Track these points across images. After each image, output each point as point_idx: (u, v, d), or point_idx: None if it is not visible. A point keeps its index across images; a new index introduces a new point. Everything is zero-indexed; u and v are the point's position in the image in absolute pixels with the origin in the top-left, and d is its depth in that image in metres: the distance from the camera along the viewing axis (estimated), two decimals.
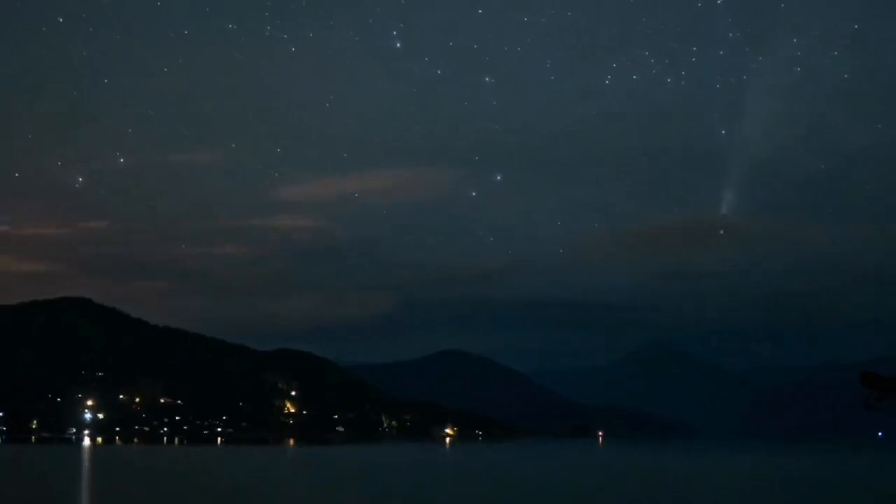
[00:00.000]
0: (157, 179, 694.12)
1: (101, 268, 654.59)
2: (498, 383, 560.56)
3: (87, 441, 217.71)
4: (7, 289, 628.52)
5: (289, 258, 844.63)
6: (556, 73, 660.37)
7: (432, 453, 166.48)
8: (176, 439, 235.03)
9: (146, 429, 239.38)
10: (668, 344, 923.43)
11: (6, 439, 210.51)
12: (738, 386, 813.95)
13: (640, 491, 68.62)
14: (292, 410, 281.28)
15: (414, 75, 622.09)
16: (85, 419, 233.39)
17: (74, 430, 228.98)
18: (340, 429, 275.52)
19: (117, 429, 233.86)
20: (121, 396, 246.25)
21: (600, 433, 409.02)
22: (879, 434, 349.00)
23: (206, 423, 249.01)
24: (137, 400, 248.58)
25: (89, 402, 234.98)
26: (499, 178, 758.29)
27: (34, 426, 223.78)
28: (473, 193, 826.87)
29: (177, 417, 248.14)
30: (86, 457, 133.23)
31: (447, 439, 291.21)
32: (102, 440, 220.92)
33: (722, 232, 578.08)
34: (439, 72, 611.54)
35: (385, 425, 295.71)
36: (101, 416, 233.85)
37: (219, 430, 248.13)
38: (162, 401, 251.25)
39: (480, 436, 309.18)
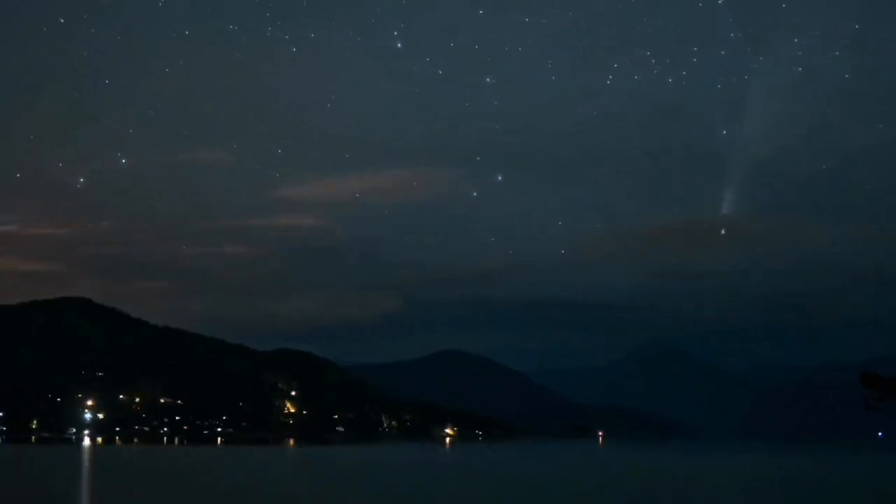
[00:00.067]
0: (157, 179, 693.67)
1: (102, 268, 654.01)
2: (498, 383, 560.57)
3: (87, 441, 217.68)
4: (7, 289, 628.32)
5: (289, 258, 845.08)
6: (557, 74, 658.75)
7: (432, 453, 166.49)
8: (176, 439, 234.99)
9: (146, 429, 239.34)
10: (668, 344, 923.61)
11: (6, 439, 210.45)
12: (738, 386, 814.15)
13: (640, 491, 68.62)
14: (292, 410, 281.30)
15: (415, 75, 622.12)
16: (85, 419, 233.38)
17: (74, 430, 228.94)
18: (340, 429, 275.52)
19: (117, 429, 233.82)
20: (121, 396, 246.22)
21: (600, 433, 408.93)
22: (879, 434, 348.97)
23: (206, 423, 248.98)
24: (137, 400, 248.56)
25: (89, 402, 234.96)
26: (500, 178, 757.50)
27: (34, 426, 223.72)
28: (474, 194, 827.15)
29: (177, 417, 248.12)
30: (86, 457, 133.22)
31: (447, 439, 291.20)
32: (102, 440, 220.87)
33: (723, 232, 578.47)
34: (440, 72, 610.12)
35: (385, 425, 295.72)
36: (101, 416, 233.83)
37: (219, 430, 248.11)
38: (162, 401, 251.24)
39: (480, 436, 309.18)
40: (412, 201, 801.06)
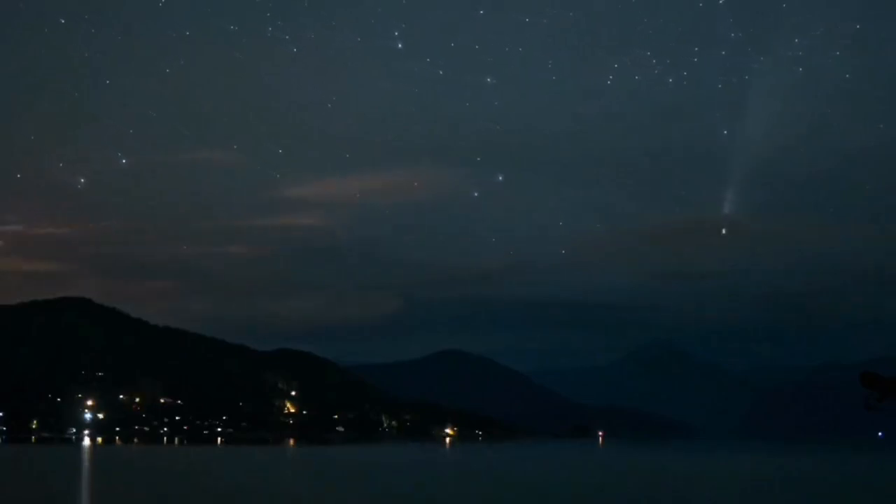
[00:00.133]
0: (157, 180, 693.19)
1: (102, 268, 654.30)
2: (498, 383, 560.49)
3: (87, 441, 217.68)
4: (7, 289, 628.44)
5: (289, 258, 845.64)
6: (558, 74, 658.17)
7: (432, 453, 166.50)
8: (176, 439, 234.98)
9: (146, 429, 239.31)
10: (668, 344, 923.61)
11: (6, 439, 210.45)
12: (738, 386, 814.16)
13: (640, 491, 68.63)
14: (292, 410, 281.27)
15: (415, 76, 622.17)
16: (85, 419, 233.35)
17: (74, 430, 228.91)
18: (340, 429, 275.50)
19: (117, 429, 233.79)
20: (121, 396, 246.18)
21: (600, 433, 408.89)
22: (879, 434, 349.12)
23: (206, 423, 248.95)
24: (137, 400, 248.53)
25: (89, 402, 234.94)
26: (500, 178, 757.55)
27: (34, 426, 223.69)
28: (475, 194, 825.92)
29: (177, 417, 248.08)
30: (86, 457, 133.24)
31: (447, 439, 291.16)
32: (102, 440, 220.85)
33: (723, 232, 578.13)
34: (441, 72, 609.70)
35: (385, 425, 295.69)
36: (101, 416, 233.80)
37: (219, 430, 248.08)
38: (162, 401, 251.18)
39: (480, 436, 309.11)
40: (413, 201, 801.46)
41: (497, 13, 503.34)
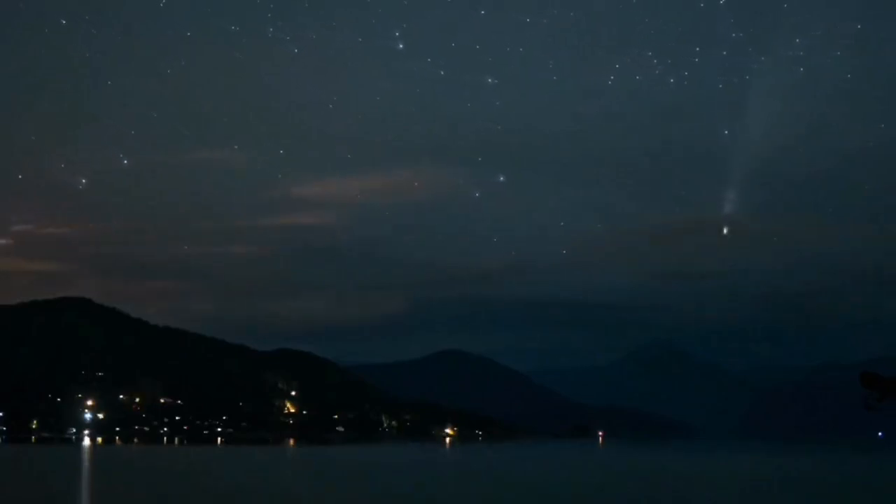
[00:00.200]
0: (158, 180, 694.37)
1: (102, 268, 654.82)
2: (498, 383, 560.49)
3: (87, 441, 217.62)
4: (8, 289, 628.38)
5: (289, 258, 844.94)
6: (559, 74, 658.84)
7: (432, 453, 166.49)
8: (176, 439, 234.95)
9: (146, 429, 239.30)
10: (668, 344, 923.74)
11: (6, 439, 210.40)
12: (738, 386, 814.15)
13: (640, 491, 68.65)
14: (292, 410, 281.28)
15: (416, 76, 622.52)
16: (85, 419, 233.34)
17: (74, 430, 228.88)
18: (340, 429, 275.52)
19: (117, 429, 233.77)
20: (121, 396, 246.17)
21: (600, 433, 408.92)
22: (879, 434, 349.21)
23: (206, 423, 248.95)
24: (137, 400, 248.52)
25: (89, 402, 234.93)
26: (502, 178, 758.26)
27: (34, 426, 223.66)
28: (477, 194, 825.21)
29: (177, 417, 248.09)
30: (86, 457, 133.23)
31: (447, 439, 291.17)
32: (102, 440, 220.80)
33: (725, 232, 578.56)
34: (441, 72, 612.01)
35: (385, 425, 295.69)
36: (101, 416, 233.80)
37: (219, 430, 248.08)
38: (162, 401, 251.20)
39: (480, 436, 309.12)
40: (413, 201, 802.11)
41: (498, 13, 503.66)
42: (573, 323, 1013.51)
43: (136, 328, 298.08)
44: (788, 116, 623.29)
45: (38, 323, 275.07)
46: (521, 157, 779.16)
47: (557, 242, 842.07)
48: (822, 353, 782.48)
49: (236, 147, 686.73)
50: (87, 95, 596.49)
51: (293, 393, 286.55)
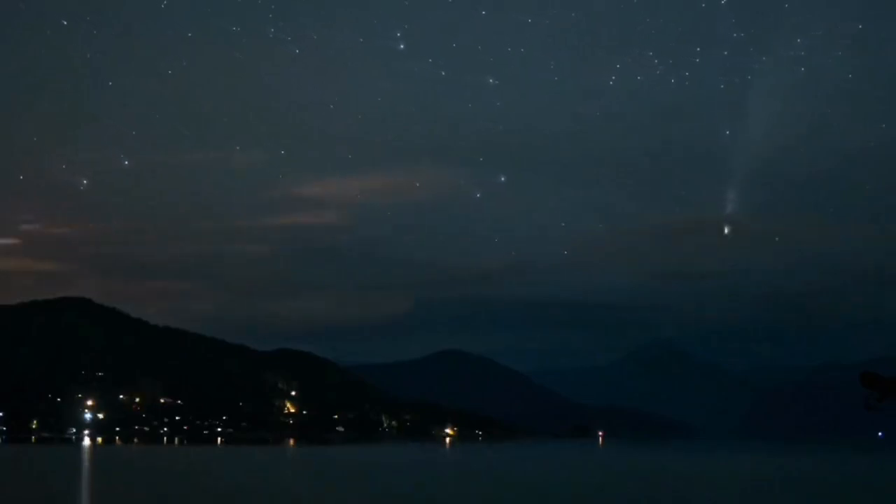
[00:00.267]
0: (158, 180, 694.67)
1: (102, 268, 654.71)
2: (498, 383, 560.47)
3: (87, 441, 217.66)
4: (8, 289, 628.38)
5: (290, 258, 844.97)
6: (560, 74, 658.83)
7: (432, 453, 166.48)
8: (176, 439, 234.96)
9: (146, 429, 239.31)
10: (668, 344, 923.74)
11: (6, 439, 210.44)
12: (738, 386, 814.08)
13: (640, 491, 68.62)
14: (292, 410, 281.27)
15: (417, 76, 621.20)
16: (85, 419, 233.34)
17: (74, 430, 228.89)
18: (340, 429, 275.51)
19: (117, 429, 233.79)
20: (121, 396, 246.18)
21: (600, 433, 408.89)
22: (879, 434, 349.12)
23: (206, 423, 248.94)
24: (137, 400, 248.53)
25: (89, 402, 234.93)
26: (503, 179, 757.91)
27: (34, 426, 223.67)
28: (478, 195, 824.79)
29: (177, 417, 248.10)
30: (86, 457, 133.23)
31: (447, 439, 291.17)
32: (102, 440, 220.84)
33: (725, 231, 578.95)
34: (443, 73, 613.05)
35: (385, 425, 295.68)
36: (101, 416, 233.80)
37: (219, 430, 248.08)
38: (162, 401, 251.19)
39: (480, 436, 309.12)
40: (413, 201, 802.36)
41: (499, 14, 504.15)
42: (573, 323, 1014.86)
43: (136, 328, 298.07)
44: (789, 116, 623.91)
45: (38, 323, 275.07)
46: (521, 157, 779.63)
47: (558, 242, 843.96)
48: (822, 353, 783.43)
49: (237, 147, 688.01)
50: (87, 95, 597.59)
51: (293, 393, 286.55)
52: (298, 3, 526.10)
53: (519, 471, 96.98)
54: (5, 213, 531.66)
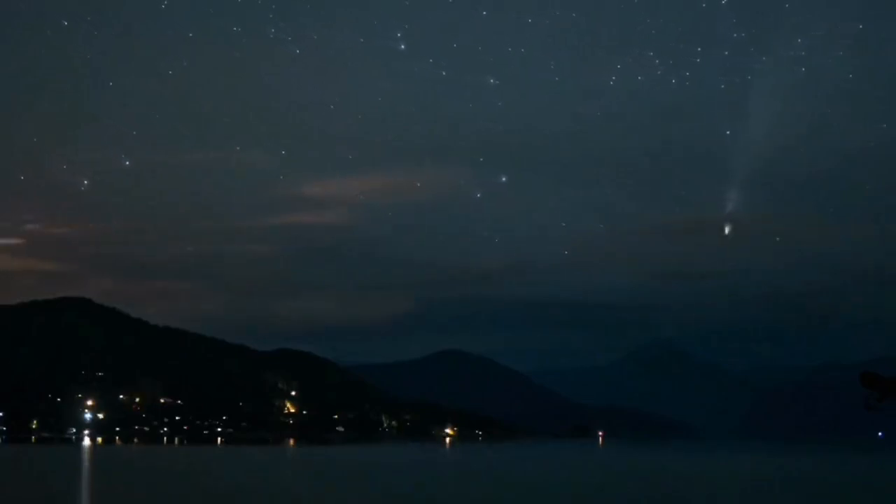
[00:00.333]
0: (158, 180, 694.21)
1: (102, 268, 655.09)
2: (498, 383, 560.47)
3: (87, 441, 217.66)
4: (8, 289, 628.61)
5: (289, 258, 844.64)
6: (560, 74, 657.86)
7: (432, 453, 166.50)
8: (176, 439, 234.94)
9: (146, 429, 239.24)
10: (668, 344, 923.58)
11: (6, 439, 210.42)
12: (738, 386, 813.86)
13: (640, 491, 68.62)
14: (292, 410, 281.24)
15: (418, 76, 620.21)
16: (85, 419, 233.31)
17: (74, 430, 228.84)
18: (340, 429, 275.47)
19: (117, 429, 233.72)
20: (121, 396, 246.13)
21: (600, 433, 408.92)
22: (879, 434, 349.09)
23: (206, 423, 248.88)
24: (137, 400, 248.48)
25: (89, 402, 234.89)
26: (504, 179, 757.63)
27: (34, 426, 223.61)
28: (478, 195, 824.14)
29: (177, 417, 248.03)
30: (86, 457, 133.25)
31: (447, 439, 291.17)
32: (102, 440, 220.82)
33: (726, 231, 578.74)
34: (443, 73, 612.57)
35: (385, 425, 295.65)
36: (101, 416, 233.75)
37: (219, 430, 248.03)
38: (162, 401, 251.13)
39: (480, 436, 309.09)
40: (414, 202, 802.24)
41: (499, 14, 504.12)
42: (573, 323, 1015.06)
43: (136, 328, 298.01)
44: (789, 116, 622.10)
45: (38, 323, 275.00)
46: (521, 157, 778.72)
47: (558, 242, 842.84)
48: (822, 353, 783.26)
49: (238, 148, 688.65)
50: (87, 96, 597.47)
51: (293, 393, 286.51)
52: (299, 3, 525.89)
53: (519, 471, 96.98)
54: (7, 213, 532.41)
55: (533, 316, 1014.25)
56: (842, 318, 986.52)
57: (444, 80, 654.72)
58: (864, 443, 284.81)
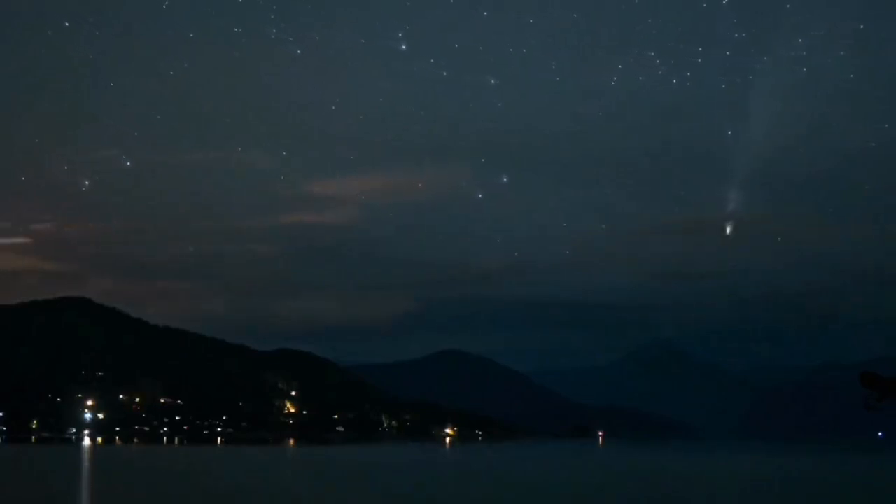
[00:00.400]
0: (158, 180, 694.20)
1: (102, 268, 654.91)
2: (498, 383, 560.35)
3: (87, 441, 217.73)
4: (8, 289, 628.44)
5: (289, 258, 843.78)
6: (561, 74, 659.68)
7: (432, 453, 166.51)
8: (176, 439, 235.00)
9: (146, 429, 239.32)
10: (668, 344, 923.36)
11: (6, 439, 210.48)
12: (738, 386, 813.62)
13: (640, 491, 68.63)
14: (292, 410, 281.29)
15: (418, 76, 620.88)
16: (85, 419, 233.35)
17: (74, 430, 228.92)
18: (340, 429, 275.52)
19: (117, 429, 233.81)
20: (121, 396, 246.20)
21: (600, 433, 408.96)
22: (879, 434, 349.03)
23: (206, 423, 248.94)
24: (137, 400, 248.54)
25: (89, 402, 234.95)
26: (505, 179, 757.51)
27: (34, 426, 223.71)
28: (480, 195, 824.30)
29: (177, 417, 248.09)
30: (86, 457, 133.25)
31: (447, 439, 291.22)
32: (102, 440, 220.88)
33: (727, 231, 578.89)
34: (444, 73, 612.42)
35: (385, 425, 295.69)
36: (101, 416, 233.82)
37: (219, 430, 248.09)
38: (162, 401, 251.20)
39: (480, 436, 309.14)
40: (414, 202, 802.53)
41: (500, 14, 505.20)
42: (573, 323, 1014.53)
43: (136, 328, 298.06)
44: (790, 116, 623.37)
45: (38, 323, 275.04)
46: (522, 157, 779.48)
47: (558, 243, 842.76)
48: (822, 353, 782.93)
49: (238, 148, 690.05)
50: (88, 96, 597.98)
51: (293, 393, 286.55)
52: (300, 4, 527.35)
53: (519, 471, 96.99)
54: (8, 213, 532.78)
55: (533, 316, 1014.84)
56: (842, 318, 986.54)
57: (445, 80, 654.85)
58: (864, 443, 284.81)
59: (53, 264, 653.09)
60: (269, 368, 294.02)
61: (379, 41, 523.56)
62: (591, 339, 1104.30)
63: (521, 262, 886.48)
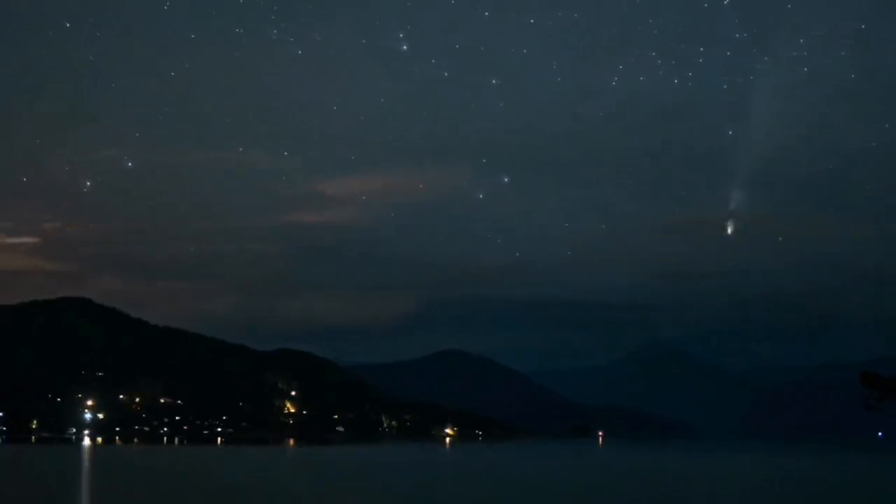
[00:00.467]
0: (158, 180, 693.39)
1: (102, 268, 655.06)
2: (498, 383, 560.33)
3: (87, 441, 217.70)
4: (8, 289, 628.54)
5: (290, 258, 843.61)
6: (562, 74, 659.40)
7: (432, 453, 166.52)
8: (176, 439, 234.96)
9: (146, 429, 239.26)
10: (669, 344, 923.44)
11: (6, 439, 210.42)
12: (738, 386, 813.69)
13: (640, 491, 68.63)
14: (292, 410, 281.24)
15: (419, 76, 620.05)
16: (85, 419, 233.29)
17: (74, 430, 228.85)
18: (340, 429, 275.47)
19: (117, 429, 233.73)
20: (121, 396, 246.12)
21: (600, 433, 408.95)
22: (879, 434, 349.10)
23: (206, 423, 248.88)
24: (137, 400, 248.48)
25: (89, 402, 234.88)
26: (505, 179, 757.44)
27: (34, 426, 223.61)
28: (480, 195, 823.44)
29: (177, 417, 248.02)
30: (86, 457, 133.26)
31: (447, 439, 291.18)
32: (102, 440, 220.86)
33: (728, 231, 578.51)
34: (445, 73, 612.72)
35: (385, 425, 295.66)
36: (101, 416, 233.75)
37: (219, 430, 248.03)
38: (162, 401, 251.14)
39: (480, 436, 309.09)
40: (415, 202, 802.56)
41: (501, 14, 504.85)
42: (573, 323, 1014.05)
43: (136, 328, 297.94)
44: (790, 116, 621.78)
45: (38, 323, 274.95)
46: (522, 157, 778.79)
47: (559, 243, 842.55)
48: (822, 353, 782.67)
49: (239, 148, 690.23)
50: (88, 96, 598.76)
51: (293, 393, 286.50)
52: (300, 4, 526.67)
53: (519, 471, 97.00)
54: (8, 213, 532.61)
55: (533, 316, 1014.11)
56: (842, 318, 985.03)
57: (446, 80, 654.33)
58: (864, 443, 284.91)
59: (54, 264, 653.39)
60: (269, 368, 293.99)
61: (379, 41, 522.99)
62: (591, 339, 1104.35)
63: (522, 262, 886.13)
